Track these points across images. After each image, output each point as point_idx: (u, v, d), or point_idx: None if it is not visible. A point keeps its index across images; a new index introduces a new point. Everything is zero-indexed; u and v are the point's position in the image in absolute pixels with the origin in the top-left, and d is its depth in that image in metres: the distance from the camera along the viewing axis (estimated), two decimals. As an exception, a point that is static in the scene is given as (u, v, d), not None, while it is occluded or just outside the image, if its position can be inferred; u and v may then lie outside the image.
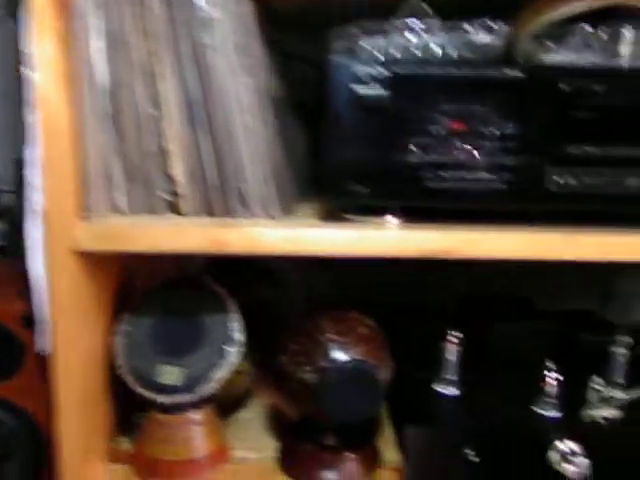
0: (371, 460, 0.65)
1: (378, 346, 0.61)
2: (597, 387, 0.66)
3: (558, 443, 0.60)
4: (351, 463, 0.63)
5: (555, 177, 0.54)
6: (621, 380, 0.69)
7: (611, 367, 0.69)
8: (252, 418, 0.74)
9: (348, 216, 0.59)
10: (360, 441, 0.65)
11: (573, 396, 0.65)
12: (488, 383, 0.71)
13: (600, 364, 0.70)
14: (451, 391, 0.68)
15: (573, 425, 0.61)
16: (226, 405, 0.71)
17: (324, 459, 0.63)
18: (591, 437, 0.60)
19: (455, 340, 0.68)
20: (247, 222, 0.56)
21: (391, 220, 0.59)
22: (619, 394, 0.65)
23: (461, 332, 0.73)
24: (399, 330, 0.78)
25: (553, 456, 0.60)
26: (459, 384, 0.69)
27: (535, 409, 0.64)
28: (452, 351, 0.68)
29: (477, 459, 0.58)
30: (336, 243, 0.55)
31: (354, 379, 0.58)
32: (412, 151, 0.54)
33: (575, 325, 0.76)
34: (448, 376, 0.68)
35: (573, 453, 0.59)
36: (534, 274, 0.97)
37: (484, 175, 0.54)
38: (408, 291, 0.92)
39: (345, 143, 0.54)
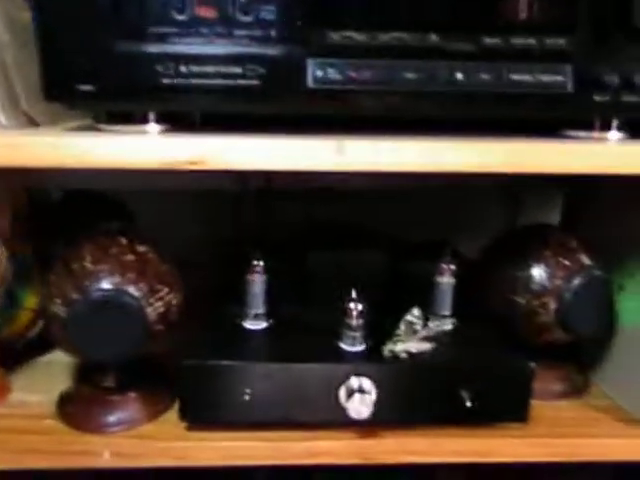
0: (160, 400, 0.59)
1: (150, 276, 0.54)
2: (410, 319, 0.59)
3: (349, 379, 0.54)
4: (134, 405, 0.57)
5: (316, 70, 0.46)
6: (444, 311, 0.62)
7: (434, 297, 0.63)
8: (61, 361, 0.68)
9: (101, 126, 0.51)
10: (148, 381, 0.59)
11: (384, 329, 0.58)
12: (301, 316, 0.64)
13: (425, 294, 0.63)
14: (258, 325, 0.62)
15: (370, 360, 0.55)
16: (17, 347, 0.65)
17: (102, 401, 0.57)
18: (384, 373, 0.54)
19: (258, 270, 0.61)
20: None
21: (152, 129, 0.51)
22: (433, 326, 0.59)
23: (280, 263, 0.67)
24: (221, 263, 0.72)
25: (341, 393, 0.54)
26: (268, 318, 0.62)
27: (339, 343, 0.58)
28: (257, 282, 0.61)
29: (249, 397, 0.52)
30: (64, 154, 0.46)
31: (110, 312, 0.51)
32: (146, 41, 0.45)
33: (406, 254, 0.69)
34: (254, 310, 0.62)
35: (361, 390, 0.53)
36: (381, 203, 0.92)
37: (233, 69, 0.46)
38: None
39: (62, 31, 0.45)
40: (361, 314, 0.57)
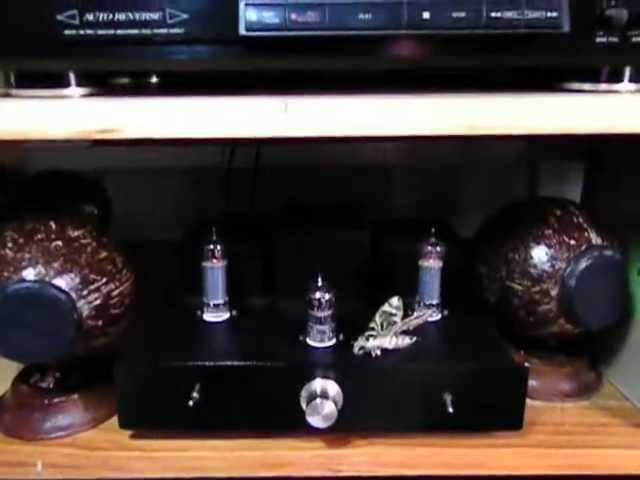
0: (104, 404, 0.52)
1: (82, 264, 0.47)
2: (388, 309, 0.51)
3: (310, 382, 0.46)
4: (74, 409, 0.51)
5: (249, 14, 0.37)
6: (431, 300, 0.54)
7: (419, 284, 0.55)
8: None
9: (13, 91, 0.44)
10: (92, 382, 0.53)
11: (361, 322, 0.51)
12: (269, 307, 0.57)
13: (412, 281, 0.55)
14: (218, 318, 0.55)
15: (336, 359, 0.48)
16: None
17: (38, 405, 0.50)
18: (352, 373, 0.47)
19: (216, 255, 0.54)
20: None
21: (72, 92, 0.43)
22: (414, 318, 0.51)
23: (247, 246, 0.60)
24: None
25: (302, 397, 0.46)
26: (230, 309, 0.55)
27: (306, 339, 0.50)
28: (215, 269, 0.54)
29: (195, 401, 0.45)
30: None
31: (32, 306, 0.45)
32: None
33: (392, 234, 0.61)
34: (213, 300, 0.55)
35: (323, 395, 0.46)
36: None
37: (150, 16, 0.38)
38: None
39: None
40: (329, 305, 0.49)
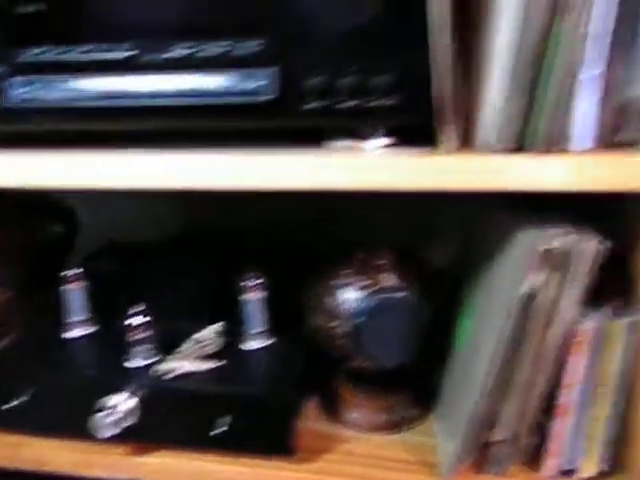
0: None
1: None
2: (198, 337, 0.57)
3: (103, 396, 0.53)
4: None
5: (9, 89, 0.45)
6: (255, 329, 0.58)
7: (245, 315, 0.59)
8: None
9: None
10: None
11: (173, 345, 0.57)
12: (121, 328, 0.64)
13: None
14: (76, 334, 0.63)
15: (133, 378, 0.54)
16: None
17: None
18: (140, 391, 0.52)
19: (77, 277, 0.62)
20: None
21: None
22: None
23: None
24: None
25: (96, 409, 0.53)
26: (93, 326, 0.63)
27: (127, 357, 0.57)
28: (74, 291, 0.62)
29: (22, 402, 0.54)
30: None
31: None
32: None
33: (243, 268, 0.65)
34: (74, 318, 0.63)
35: (111, 407, 0.52)
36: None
37: None
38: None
39: None
40: (143, 329, 0.56)
